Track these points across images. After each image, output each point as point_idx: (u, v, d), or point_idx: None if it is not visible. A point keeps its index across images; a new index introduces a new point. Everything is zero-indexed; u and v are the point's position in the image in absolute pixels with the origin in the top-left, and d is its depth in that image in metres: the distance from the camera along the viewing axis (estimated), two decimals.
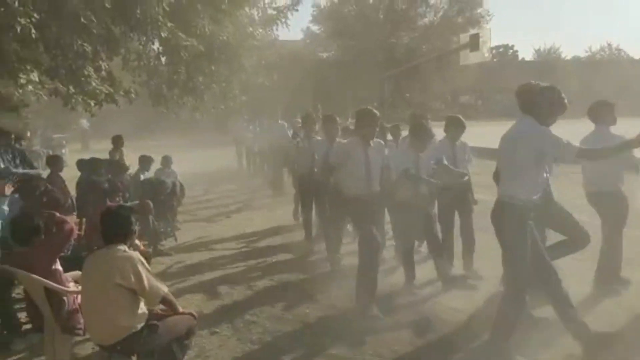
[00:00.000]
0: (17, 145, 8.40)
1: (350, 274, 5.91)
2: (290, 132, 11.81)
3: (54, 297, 4.14)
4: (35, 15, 5.81)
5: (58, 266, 4.32)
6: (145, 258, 3.86)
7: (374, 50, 30.85)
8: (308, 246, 7.63)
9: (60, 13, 6.28)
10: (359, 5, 35.27)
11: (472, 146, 6.67)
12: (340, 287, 5.95)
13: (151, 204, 7.58)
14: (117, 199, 6.65)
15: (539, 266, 4.20)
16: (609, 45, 59.80)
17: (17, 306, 5.16)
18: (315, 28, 36.98)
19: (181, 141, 22.62)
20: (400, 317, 5.18)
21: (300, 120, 10.76)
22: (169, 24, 7.23)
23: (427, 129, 5.84)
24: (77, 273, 4.28)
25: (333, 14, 35.20)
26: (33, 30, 5.80)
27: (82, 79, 7.47)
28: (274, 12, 9.67)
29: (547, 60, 50.15)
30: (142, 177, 8.73)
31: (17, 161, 7.39)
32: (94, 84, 7.67)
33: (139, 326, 3.61)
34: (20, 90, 7.17)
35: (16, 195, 5.87)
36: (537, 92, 4.14)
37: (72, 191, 7.83)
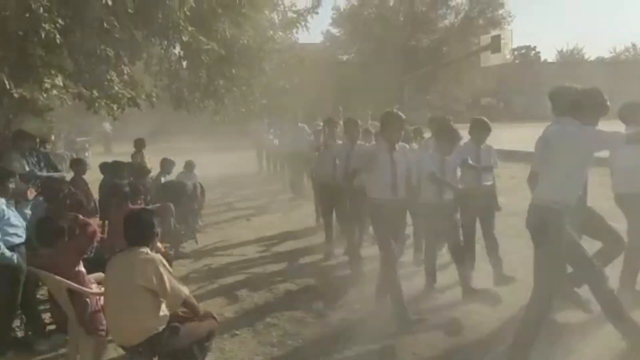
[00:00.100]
0: (42, 149, 8.55)
1: (371, 277, 5.90)
2: (310, 136, 11.82)
3: (78, 299, 4.20)
4: (59, 21, 5.90)
5: (81, 268, 4.38)
6: (167, 260, 3.89)
7: (393, 52, 30.75)
8: (328, 249, 7.60)
9: (84, 19, 6.37)
10: (378, 8, 35.22)
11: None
12: (361, 290, 5.94)
13: (172, 207, 7.65)
14: (139, 201, 6.73)
15: (583, 267, 4.14)
16: (634, 45, 58.80)
17: (41, 307, 5.24)
18: (335, 31, 37.01)
19: (201, 144, 22.76)
20: (419, 321, 5.14)
21: (320, 124, 10.76)
22: (190, 28, 7.29)
23: (455, 132, 5.72)
24: (100, 275, 4.34)
25: (353, 16, 35.19)
26: (57, 36, 5.89)
27: (105, 83, 7.56)
28: (294, 15, 9.70)
29: (570, 62, 49.50)
30: (163, 179, 8.81)
31: (42, 164, 7.53)
32: (116, 88, 7.76)
33: (161, 328, 3.64)
34: (45, 95, 7.26)
35: (40, 198, 5.96)
36: (579, 94, 4.07)
37: (95, 194, 7.94)
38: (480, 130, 6.12)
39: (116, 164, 8.22)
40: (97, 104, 7.87)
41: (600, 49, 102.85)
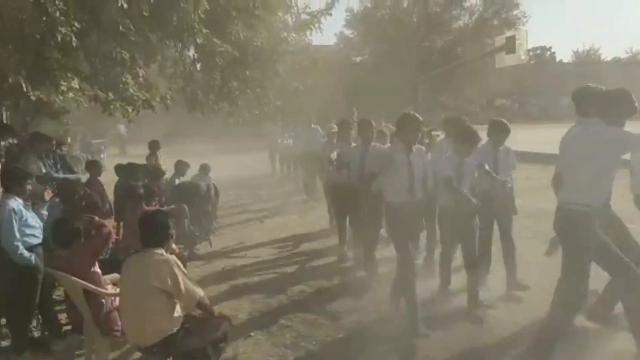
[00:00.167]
0: (58, 151, 8.66)
1: (385, 280, 5.88)
2: (324, 138, 11.81)
3: (93, 299, 4.23)
4: (75, 24, 5.96)
5: (97, 269, 4.42)
6: (181, 261, 3.91)
7: (407, 53, 30.68)
8: (342, 251, 7.58)
9: (100, 22, 6.43)
10: (392, 9, 35.14)
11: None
12: (375, 292, 5.92)
13: (186, 208, 7.69)
14: (154, 203, 6.77)
15: (616, 268, 4.07)
16: None
17: (57, 308, 5.29)
18: (348, 32, 36.98)
19: (215, 146, 22.86)
20: (433, 323, 5.12)
21: (334, 126, 10.74)
22: (205, 31, 7.32)
23: (475, 133, 5.57)
24: (115, 276, 4.38)
25: (366, 18, 35.14)
26: (74, 39, 5.95)
27: (120, 85, 7.62)
28: (308, 17, 9.69)
29: (586, 62, 49.01)
30: (177, 181, 8.86)
31: (58, 166, 7.61)
32: (131, 90, 7.82)
33: (175, 329, 3.65)
34: (61, 97, 7.36)
35: (57, 200, 6.03)
36: (605, 94, 4.01)
37: (110, 195, 8.01)
38: (499, 131, 5.98)
39: (131, 166, 8.27)
40: (112, 106, 7.94)
41: (616, 49, 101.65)
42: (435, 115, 18.74)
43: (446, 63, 26.13)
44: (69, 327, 5.00)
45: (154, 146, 10.37)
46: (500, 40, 17.09)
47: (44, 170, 7.08)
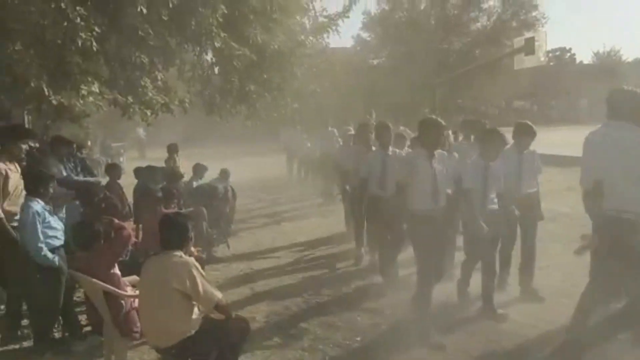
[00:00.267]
0: (79, 154, 8.77)
1: (402, 284, 5.85)
2: (339, 141, 11.81)
3: (113, 301, 4.27)
4: (96, 29, 6.04)
5: (117, 270, 4.46)
6: (200, 264, 3.92)
7: (425, 56, 30.50)
8: (359, 254, 7.56)
9: (120, 26, 6.51)
10: (409, 12, 35.02)
11: None
12: (392, 296, 5.89)
13: (205, 211, 7.73)
14: (172, 205, 6.82)
15: None
16: None
17: (77, 309, 5.36)
18: (365, 35, 36.90)
19: (233, 149, 23.03)
20: (451, 328, 5.09)
21: (350, 128, 10.73)
22: (223, 34, 7.37)
23: (501, 136, 5.41)
24: (135, 278, 4.41)
25: (383, 20, 35.05)
26: (94, 44, 6.03)
27: (140, 89, 7.71)
28: (325, 20, 9.70)
29: (607, 63, 48.32)
30: (194, 184, 8.91)
31: (78, 169, 7.70)
32: (150, 94, 7.91)
33: (193, 331, 3.67)
34: (82, 101, 7.46)
35: (77, 202, 6.10)
36: None
37: (130, 198, 8.08)
38: (525, 134, 5.82)
39: (150, 169, 8.34)
40: (131, 110, 8.04)
41: (638, 50, 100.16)
42: (452, 118, 18.59)
43: (464, 65, 25.96)
44: (89, 329, 5.05)
45: (172, 149, 10.46)
46: (519, 41, 16.93)
47: (64, 174, 7.17)
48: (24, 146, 5.29)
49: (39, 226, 4.58)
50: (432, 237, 4.94)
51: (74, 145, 8.12)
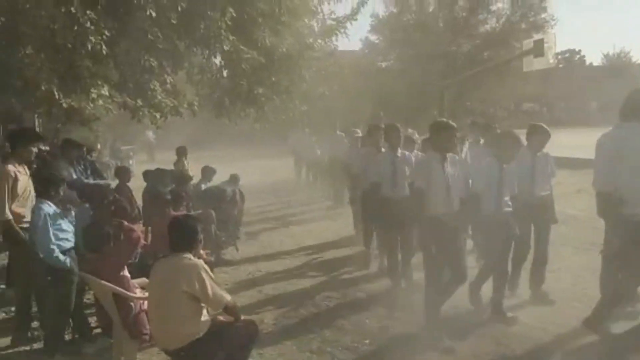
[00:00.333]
0: (89, 157, 8.83)
1: (411, 287, 5.83)
2: (347, 144, 11.78)
3: (122, 303, 4.29)
4: (105, 33, 6.09)
5: (126, 273, 4.48)
6: (209, 267, 3.93)
7: (433, 58, 30.44)
8: (367, 257, 7.52)
9: (129, 30, 6.56)
10: (417, 14, 34.99)
11: None
12: (400, 299, 5.87)
13: (213, 214, 7.74)
14: (181, 208, 6.84)
15: None
16: None
17: (87, 311, 5.38)
18: (373, 38, 36.88)
19: (241, 152, 23.08)
20: (461, 331, 5.06)
21: (357, 131, 10.71)
22: (231, 38, 7.39)
23: (516, 137, 5.32)
24: (144, 280, 4.43)
25: (392, 23, 35.02)
26: (104, 48, 6.09)
27: (149, 92, 7.76)
28: (333, 23, 9.70)
29: (617, 65, 48.01)
30: (203, 187, 8.93)
31: (88, 172, 7.76)
32: (159, 97, 7.96)
33: (202, 333, 3.67)
34: (92, 105, 7.51)
35: (87, 205, 6.13)
36: None
37: (139, 200, 8.12)
38: (540, 136, 5.76)
39: (159, 172, 8.37)
40: (141, 113, 8.08)
41: None
42: (461, 120, 18.52)
43: (473, 67, 25.86)
44: (98, 330, 5.08)
45: (181, 152, 10.51)
46: (528, 43, 16.84)
47: (74, 176, 7.22)
48: (34, 149, 5.32)
49: (50, 228, 4.61)
50: (443, 242, 4.86)
51: (84, 148, 8.18)
